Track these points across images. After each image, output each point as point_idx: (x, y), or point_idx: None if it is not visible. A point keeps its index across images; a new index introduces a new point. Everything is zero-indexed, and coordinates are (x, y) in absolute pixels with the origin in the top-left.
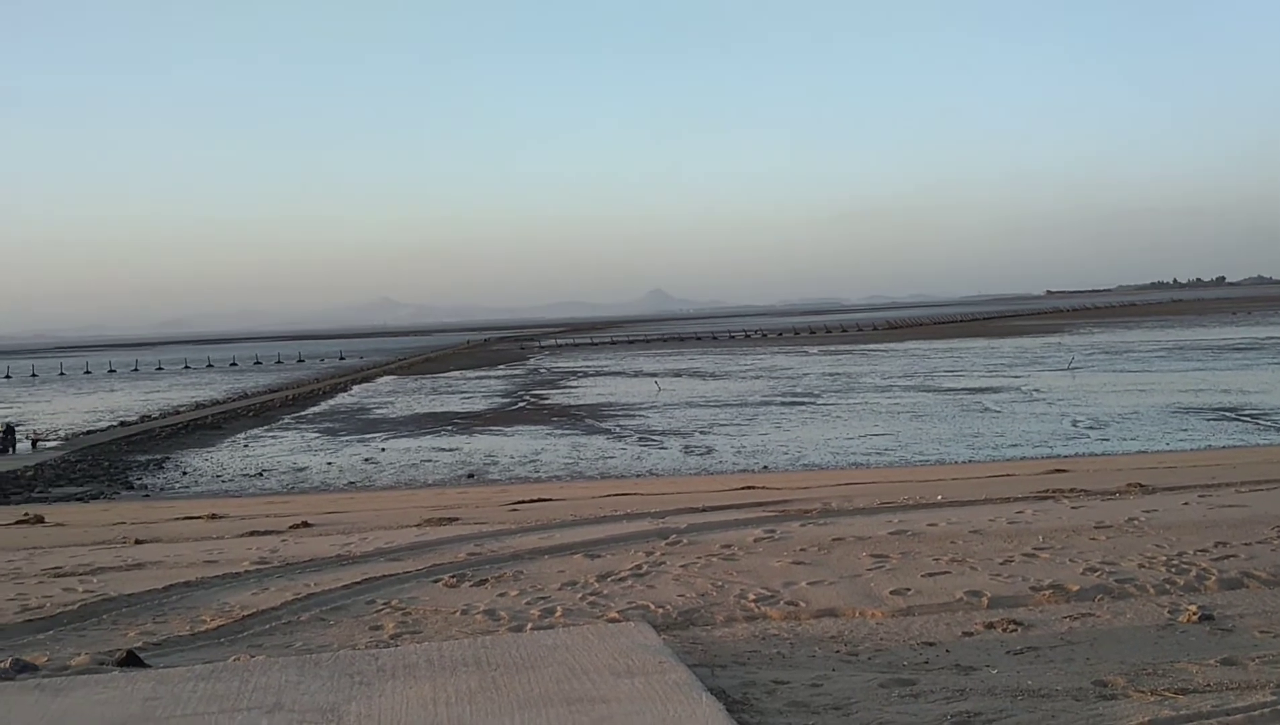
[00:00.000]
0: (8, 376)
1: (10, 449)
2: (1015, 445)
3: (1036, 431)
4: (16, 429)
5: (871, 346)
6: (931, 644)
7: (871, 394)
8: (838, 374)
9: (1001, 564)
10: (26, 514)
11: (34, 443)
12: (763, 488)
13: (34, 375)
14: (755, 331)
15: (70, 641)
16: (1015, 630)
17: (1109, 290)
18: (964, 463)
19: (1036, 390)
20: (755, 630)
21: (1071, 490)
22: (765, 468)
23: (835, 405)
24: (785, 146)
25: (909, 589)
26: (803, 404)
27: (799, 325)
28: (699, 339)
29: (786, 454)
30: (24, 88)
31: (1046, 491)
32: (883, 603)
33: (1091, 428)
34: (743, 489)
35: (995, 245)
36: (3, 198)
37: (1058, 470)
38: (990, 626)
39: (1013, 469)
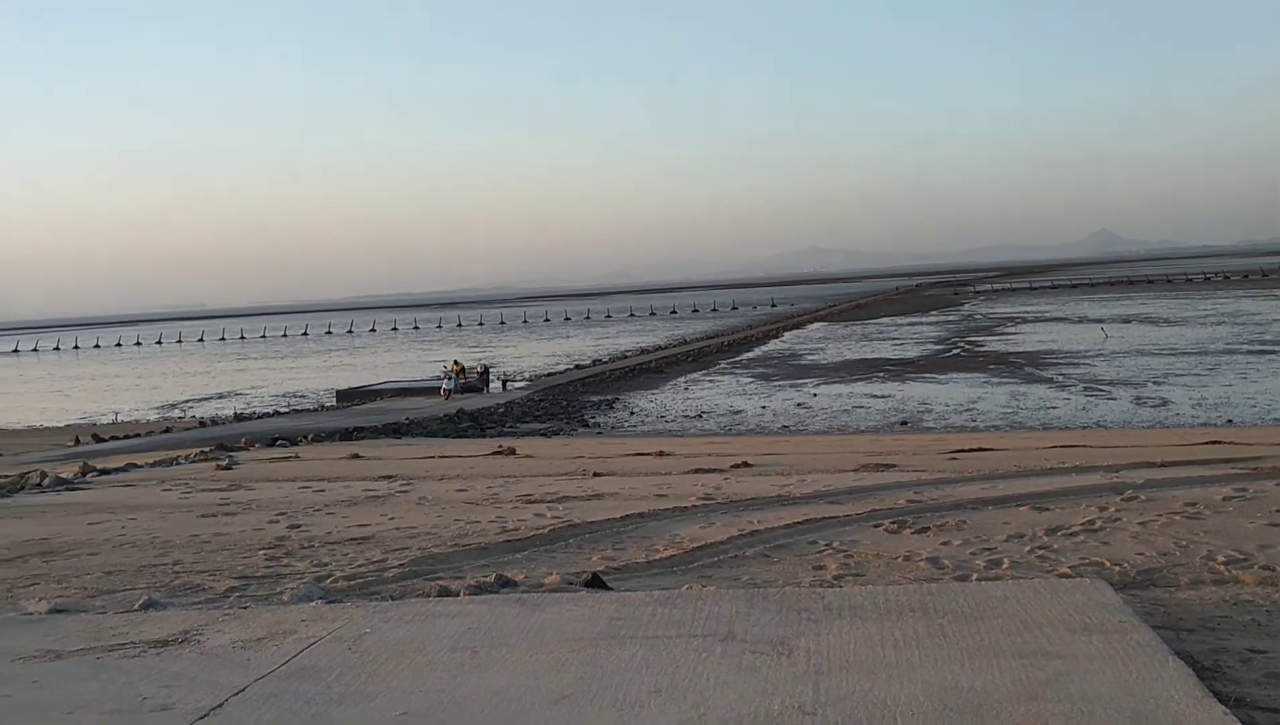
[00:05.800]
0: (480, 323)
1: (485, 388)
2: None
3: None
4: (490, 371)
5: None
6: None
7: None
8: None
9: None
10: (500, 446)
11: (504, 383)
12: (1229, 442)
13: (502, 323)
14: (1215, 273)
15: (543, 562)
16: None
17: None
18: None
19: None
20: (1225, 594)
21: None
22: (1230, 421)
23: None
24: (1243, 65)
25: None
26: (1273, 352)
27: (1268, 266)
28: (1150, 282)
29: (1255, 407)
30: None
31: None
32: None
33: None
34: (1205, 444)
35: None
36: (480, 172)
37: None
38: None
39: None
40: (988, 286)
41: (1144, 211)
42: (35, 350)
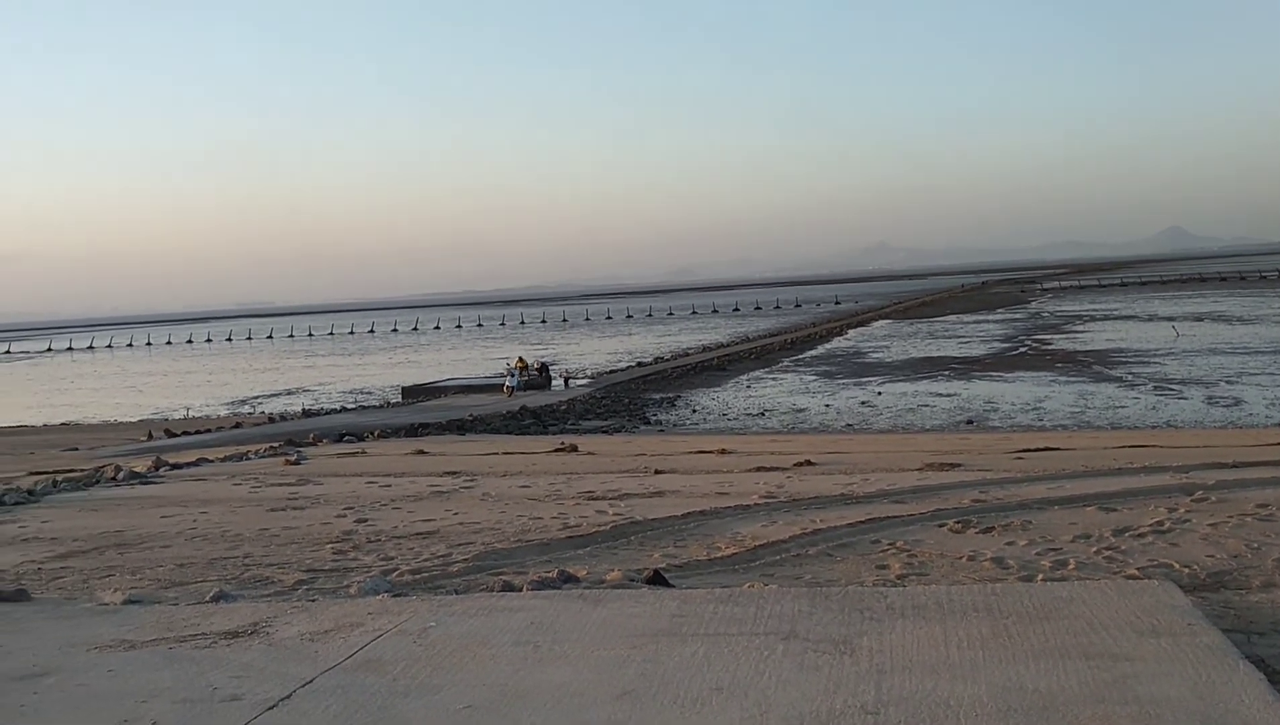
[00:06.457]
0: (543, 321)
1: (546, 386)
2: None
3: None
4: (551, 368)
5: None
6: None
7: None
8: None
9: None
10: (563, 443)
11: (566, 381)
12: None
13: (564, 320)
14: None
15: (604, 558)
16: None
17: None
18: None
19: None
20: None
21: None
22: None
23: None
24: None
25: None
26: None
27: None
28: (1223, 279)
29: None
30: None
31: None
32: None
33: None
34: (1279, 444)
35: None
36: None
37: None
38: None
39: None
40: (1055, 284)
41: (1217, 207)
42: (110, 346)
